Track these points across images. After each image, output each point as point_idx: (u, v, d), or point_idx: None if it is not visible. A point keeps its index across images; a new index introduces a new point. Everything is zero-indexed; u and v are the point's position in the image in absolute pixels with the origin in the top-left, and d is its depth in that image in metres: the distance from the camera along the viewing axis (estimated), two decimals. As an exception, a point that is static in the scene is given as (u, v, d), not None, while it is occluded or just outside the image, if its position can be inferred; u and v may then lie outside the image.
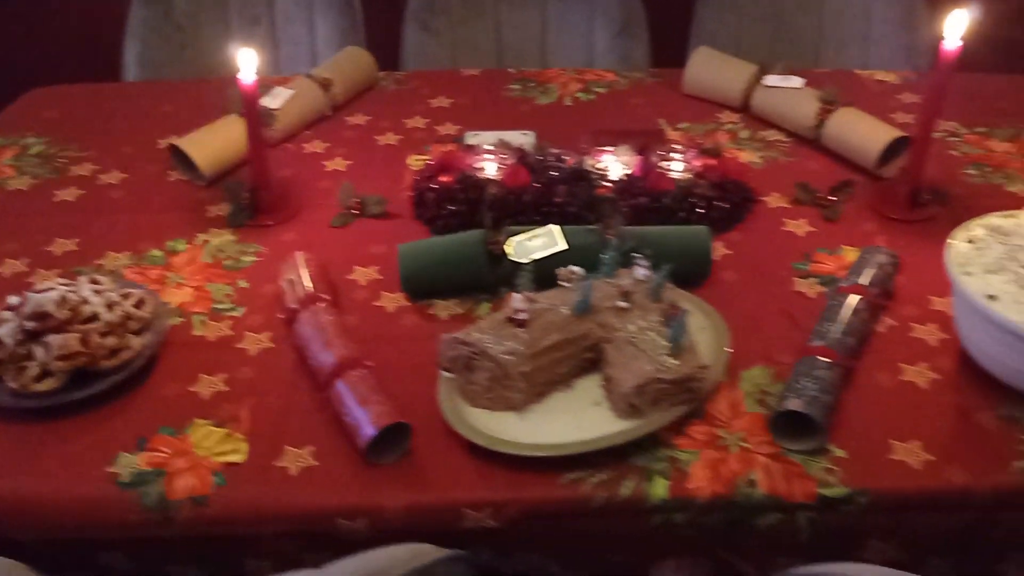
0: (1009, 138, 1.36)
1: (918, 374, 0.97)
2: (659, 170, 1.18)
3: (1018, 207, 1.19)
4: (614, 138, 1.33)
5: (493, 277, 1.05)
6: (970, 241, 0.96)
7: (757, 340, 1.01)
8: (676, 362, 0.88)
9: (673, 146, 1.21)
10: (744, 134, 1.38)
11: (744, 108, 1.43)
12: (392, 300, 1.07)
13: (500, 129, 1.37)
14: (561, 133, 1.37)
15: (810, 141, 1.35)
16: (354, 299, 1.08)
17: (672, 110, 1.44)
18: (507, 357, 0.89)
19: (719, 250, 1.15)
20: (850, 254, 1.13)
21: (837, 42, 1.76)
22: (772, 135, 1.38)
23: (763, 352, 0.99)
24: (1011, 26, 1.96)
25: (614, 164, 1.20)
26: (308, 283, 1.02)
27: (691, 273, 1.08)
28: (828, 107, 1.31)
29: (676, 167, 1.19)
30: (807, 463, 0.87)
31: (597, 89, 1.51)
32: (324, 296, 1.01)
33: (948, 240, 0.96)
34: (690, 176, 1.17)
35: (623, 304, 0.95)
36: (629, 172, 1.18)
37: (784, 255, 1.14)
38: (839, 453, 0.88)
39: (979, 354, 0.94)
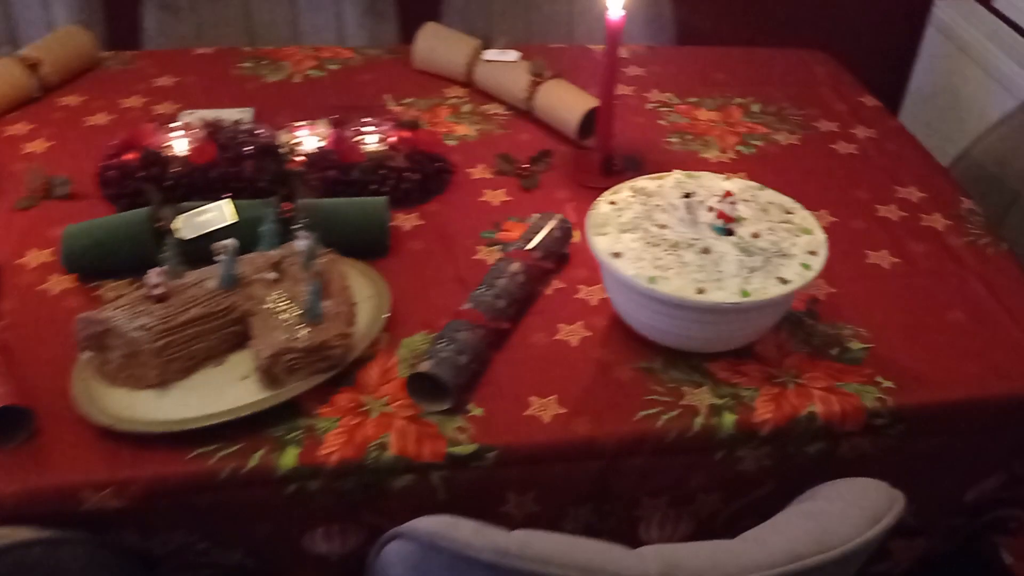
0: (716, 107, 1.43)
1: (572, 333, 1.00)
2: (352, 143, 1.18)
3: (710, 172, 1.25)
4: (336, 114, 1.33)
5: (162, 255, 1.03)
6: (612, 203, 1.00)
7: (425, 307, 1.02)
8: (308, 331, 0.89)
9: (365, 119, 1.21)
10: (466, 108, 1.40)
11: (469, 83, 1.45)
12: (60, 283, 1.04)
13: (222, 107, 1.35)
14: (285, 110, 1.36)
15: (525, 113, 1.38)
16: (18, 283, 1.04)
17: (401, 86, 1.45)
18: (137, 333, 0.87)
19: (412, 221, 1.16)
20: (537, 221, 1.16)
21: (590, 19, 1.80)
22: (492, 108, 1.40)
23: (428, 319, 1.00)
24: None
25: (308, 138, 1.19)
26: (-44, 268, 0.98)
27: (371, 244, 1.08)
28: (537, 79, 1.34)
29: (371, 140, 1.19)
30: (442, 423, 0.89)
31: (330, 66, 1.50)
32: (-29, 281, 0.97)
33: (594, 202, 1.00)
34: (384, 149, 1.18)
35: (271, 276, 0.95)
36: (322, 145, 1.18)
37: (476, 224, 1.16)
38: (476, 412, 0.90)
39: (618, 310, 0.98)
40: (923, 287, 1.07)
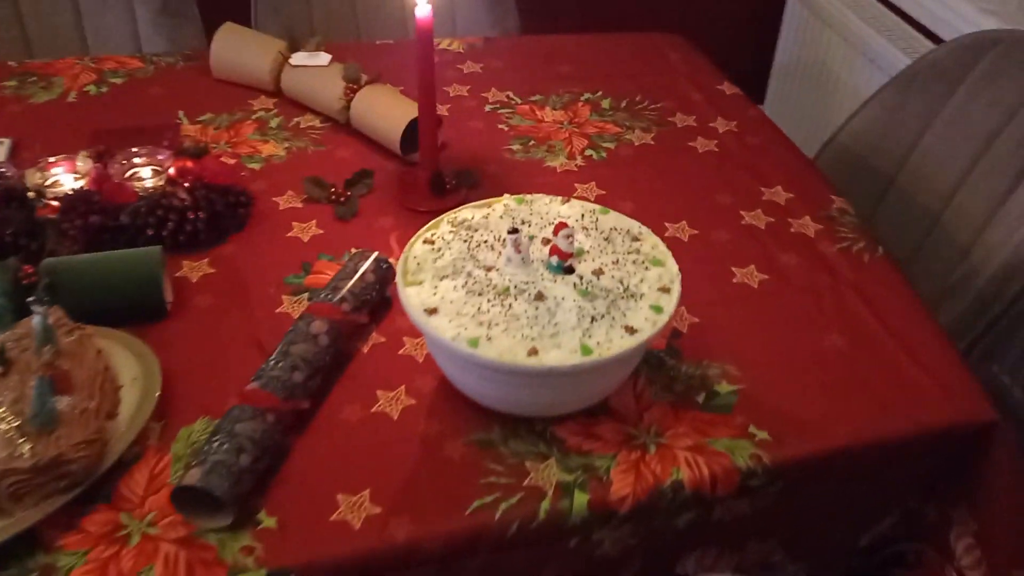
0: (562, 105, 1.27)
1: (393, 402, 0.83)
2: (121, 180, 0.97)
3: (555, 183, 1.10)
4: (117, 139, 1.12)
5: None
6: (429, 242, 0.83)
7: (212, 384, 0.83)
8: (32, 444, 0.69)
9: (135, 150, 1.00)
10: (275, 122, 1.20)
11: (279, 92, 1.25)
12: None
13: (-26, 138, 1.12)
14: (56, 137, 1.13)
15: (345, 126, 1.19)
16: None
17: (198, 100, 1.24)
18: None
19: (201, 269, 0.96)
20: (355, 259, 0.98)
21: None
22: (307, 121, 1.21)
23: (214, 399, 0.81)
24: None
25: (65, 176, 0.98)
26: None
27: (141, 307, 0.88)
28: (353, 86, 1.16)
29: (145, 174, 0.99)
30: (224, 543, 0.70)
31: (113, 80, 1.28)
32: None
33: (408, 244, 0.83)
34: (161, 184, 0.97)
35: (-9, 370, 0.74)
36: (82, 185, 0.97)
37: (281, 268, 0.97)
38: (268, 523, 0.72)
39: (445, 372, 0.81)
40: (797, 307, 0.94)
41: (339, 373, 0.85)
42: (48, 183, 0.97)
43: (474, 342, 0.72)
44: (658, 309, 0.76)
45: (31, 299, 0.79)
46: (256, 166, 1.12)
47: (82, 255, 0.89)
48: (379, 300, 0.91)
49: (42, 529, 0.70)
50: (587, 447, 0.79)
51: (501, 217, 0.85)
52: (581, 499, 0.75)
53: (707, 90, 1.32)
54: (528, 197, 0.88)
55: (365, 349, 0.88)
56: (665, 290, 0.78)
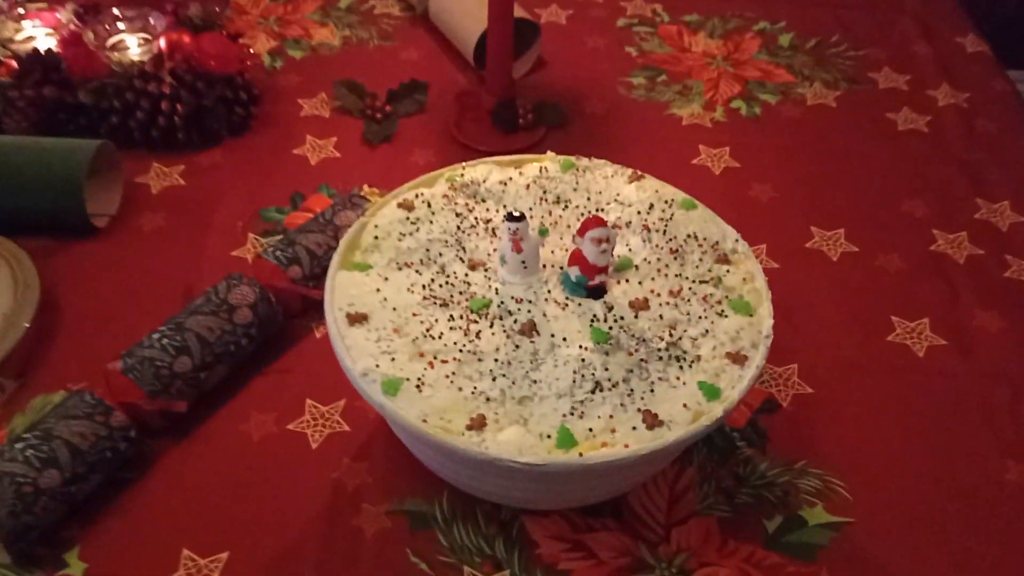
0: (723, 34, 0.93)
1: (321, 421, 0.57)
2: (96, 46, 0.75)
3: (674, 140, 0.81)
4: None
5: None
6: (406, 206, 0.55)
7: (103, 340, 0.61)
8: None
9: (116, 12, 0.77)
10: (345, 2, 0.95)
11: (366, -36, 0.99)
12: None
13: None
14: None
15: (424, 19, 0.92)
16: None
17: (272, -40, 1.01)
18: None
19: (170, 179, 0.74)
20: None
21: None
22: (384, 6, 0.94)
23: (97, 363, 0.59)
24: None
25: (40, 31, 0.78)
26: None
27: (61, 216, 0.68)
28: (438, -33, 0.88)
29: (131, 43, 0.77)
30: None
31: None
32: None
33: (375, 203, 0.56)
34: (143, 60, 0.75)
35: None
36: (50, 46, 0.76)
37: (267, 194, 0.73)
38: (74, 571, 0.50)
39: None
40: (974, 404, 0.60)
41: (267, 361, 0.61)
42: (18, 37, 0.77)
43: (392, 386, 0.45)
44: (712, 392, 0.45)
45: None
46: (297, 54, 0.88)
47: (13, 138, 0.69)
48: (359, 267, 0.66)
49: None
50: (567, 564, 0.51)
51: (528, 187, 0.56)
52: (527, 655, 0.48)
53: (940, 41, 0.93)
54: (583, 162, 0.58)
55: (318, 333, 0.63)
56: (738, 359, 0.47)
